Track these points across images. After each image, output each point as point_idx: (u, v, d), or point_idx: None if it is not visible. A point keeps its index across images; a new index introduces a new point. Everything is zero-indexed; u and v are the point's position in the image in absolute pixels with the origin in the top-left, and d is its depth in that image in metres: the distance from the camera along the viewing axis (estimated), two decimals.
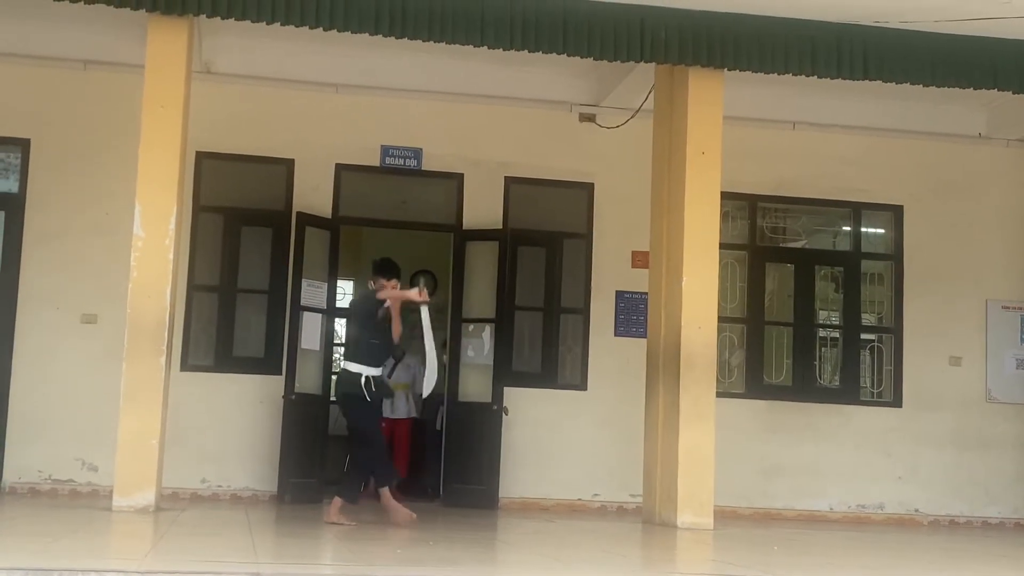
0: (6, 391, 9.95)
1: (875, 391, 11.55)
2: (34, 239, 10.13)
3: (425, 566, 5.78)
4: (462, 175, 10.91)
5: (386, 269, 8.14)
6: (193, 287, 10.31)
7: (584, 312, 10.99)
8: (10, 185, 10.27)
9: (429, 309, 8.17)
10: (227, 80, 10.34)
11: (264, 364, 10.33)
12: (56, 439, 9.89)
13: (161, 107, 8.36)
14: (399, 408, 11.53)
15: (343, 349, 7.93)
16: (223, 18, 8.31)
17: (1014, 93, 9.33)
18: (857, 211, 11.63)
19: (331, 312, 10.58)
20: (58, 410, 9.92)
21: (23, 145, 10.22)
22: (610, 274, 10.96)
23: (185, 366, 10.08)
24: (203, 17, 8.43)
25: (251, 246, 10.57)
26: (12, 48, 10.01)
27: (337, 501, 7.82)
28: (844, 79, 9.06)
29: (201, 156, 10.29)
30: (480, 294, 10.75)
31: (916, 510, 11.20)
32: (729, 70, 8.96)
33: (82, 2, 8.19)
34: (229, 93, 10.33)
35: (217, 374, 10.23)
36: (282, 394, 10.05)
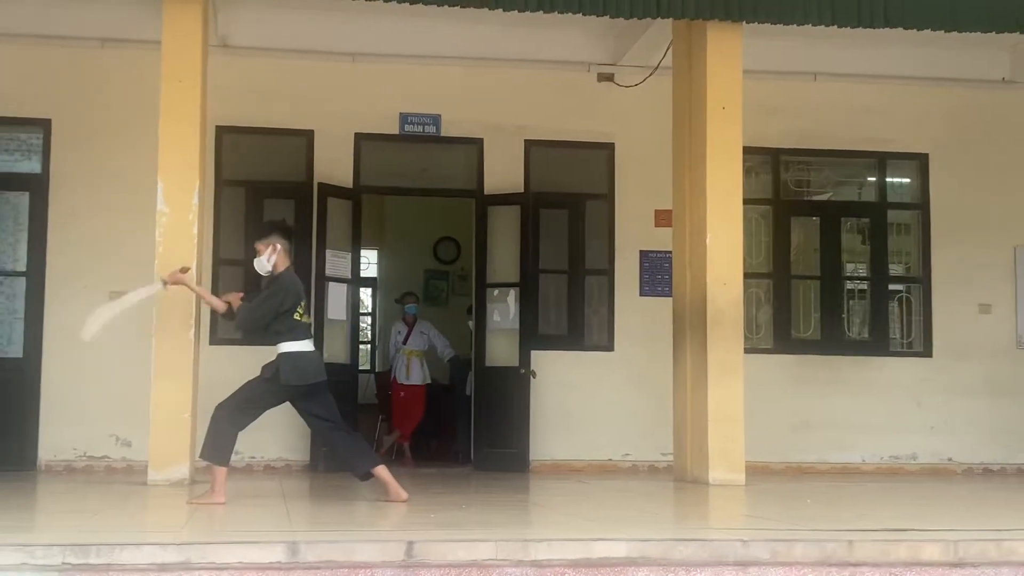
0: (38, 370, 10.05)
1: (905, 342, 11.49)
2: (59, 218, 10.18)
3: (460, 529, 5.81)
4: (482, 140, 10.87)
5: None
6: (218, 261, 10.34)
7: (609, 273, 10.98)
8: (33, 165, 10.32)
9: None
10: (244, 53, 10.33)
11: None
12: (89, 416, 9.98)
13: (179, 82, 8.37)
14: (414, 374, 11.62)
15: (287, 329, 7.08)
16: None
17: None
18: (882, 161, 11.54)
19: (356, 282, 10.63)
20: (91, 387, 10.00)
21: (44, 125, 10.27)
22: (633, 234, 10.92)
23: (214, 340, 10.14)
24: None
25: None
26: (30, 29, 10.02)
27: (386, 471, 7.12)
28: (864, 28, 8.95)
29: (221, 130, 10.30)
30: (504, 259, 10.74)
31: (949, 459, 11.17)
32: (748, 23, 8.87)
33: None
34: (246, 66, 10.32)
35: (246, 347, 10.23)
36: None
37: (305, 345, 7.18)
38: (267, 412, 7.35)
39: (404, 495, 7.04)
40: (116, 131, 10.17)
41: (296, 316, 7.16)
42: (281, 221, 7.60)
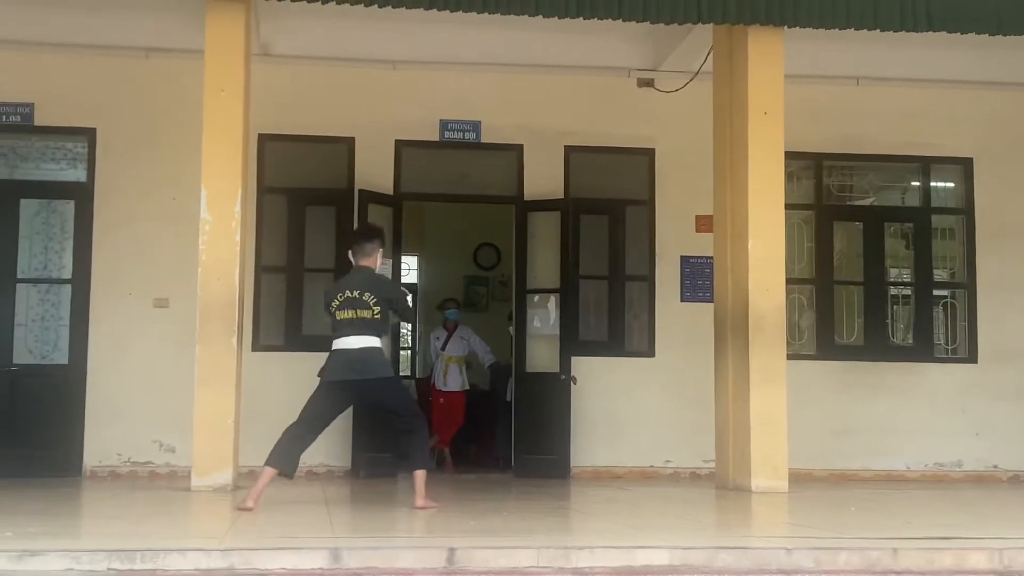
0: (83, 377, 10.16)
1: (949, 347, 11.37)
2: (104, 227, 10.29)
3: (501, 536, 5.81)
4: (521, 146, 10.89)
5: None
6: (261, 268, 10.42)
7: (649, 279, 10.94)
8: (78, 174, 10.44)
9: None
10: (286, 62, 10.40)
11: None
12: (134, 422, 10.08)
13: (222, 91, 8.44)
14: (452, 380, 11.64)
15: (361, 324, 7.26)
16: (279, 0, 8.35)
17: None
18: (926, 165, 11.42)
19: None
20: (135, 394, 10.10)
21: (89, 134, 10.38)
22: (674, 239, 10.89)
23: (256, 346, 10.21)
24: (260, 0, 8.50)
25: (315, 225, 10.65)
26: (75, 39, 10.14)
27: (421, 476, 7.13)
28: (907, 32, 8.87)
29: (263, 138, 10.38)
30: (544, 264, 10.74)
31: (995, 466, 11.03)
32: (789, 27, 8.82)
33: None
34: (288, 74, 10.39)
35: (288, 353, 10.34)
36: None
37: (337, 343, 7.26)
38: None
39: (420, 503, 7.05)
40: (160, 140, 10.27)
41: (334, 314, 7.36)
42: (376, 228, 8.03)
